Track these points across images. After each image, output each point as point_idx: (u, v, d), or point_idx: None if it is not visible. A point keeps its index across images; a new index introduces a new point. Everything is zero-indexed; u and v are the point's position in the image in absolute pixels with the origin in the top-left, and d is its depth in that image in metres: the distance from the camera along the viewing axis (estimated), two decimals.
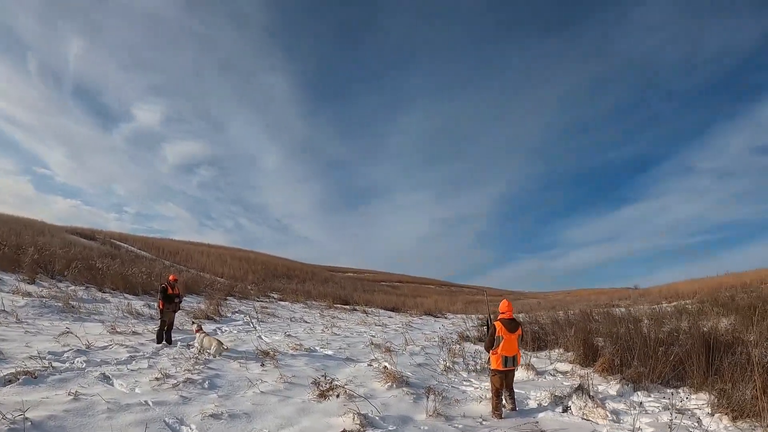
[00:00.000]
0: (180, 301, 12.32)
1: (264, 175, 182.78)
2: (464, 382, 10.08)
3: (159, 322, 11.84)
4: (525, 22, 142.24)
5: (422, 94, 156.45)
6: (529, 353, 12.46)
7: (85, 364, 8.54)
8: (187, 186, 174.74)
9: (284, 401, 7.57)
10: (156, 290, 18.70)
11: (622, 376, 9.36)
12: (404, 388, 8.69)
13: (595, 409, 7.54)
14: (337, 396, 7.72)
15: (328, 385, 8.02)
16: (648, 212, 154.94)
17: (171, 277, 12.41)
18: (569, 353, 12.05)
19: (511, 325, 7.70)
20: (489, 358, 7.92)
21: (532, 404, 8.34)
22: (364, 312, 27.03)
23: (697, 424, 7.06)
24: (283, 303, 26.87)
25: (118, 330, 12.29)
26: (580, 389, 8.08)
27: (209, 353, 10.46)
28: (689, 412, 7.43)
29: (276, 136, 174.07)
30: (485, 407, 7.92)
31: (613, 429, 6.98)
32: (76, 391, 6.77)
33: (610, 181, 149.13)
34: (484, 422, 7.27)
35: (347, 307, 28.85)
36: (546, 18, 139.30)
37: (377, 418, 6.94)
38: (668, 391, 8.64)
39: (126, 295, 18.95)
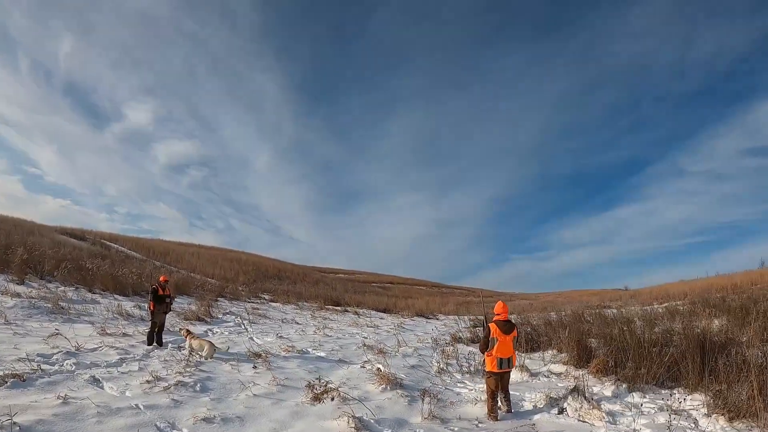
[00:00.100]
0: (171, 302, 12.21)
1: (255, 176, 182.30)
2: (458, 384, 10.01)
3: (150, 323, 11.71)
4: (517, 25, 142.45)
5: (414, 95, 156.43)
6: (523, 355, 12.40)
7: (74, 367, 8.43)
8: (177, 186, 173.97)
9: (277, 404, 7.48)
10: (146, 291, 18.54)
11: (617, 377, 9.34)
12: (398, 391, 8.61)
13: (591, 411, 7.50)
14: (332, 399, 7.64)
15: (322, 388, 7.93)
16: (639, 214, 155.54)
17: (161, 278, 12.31)
18: (563, 354, 12.01)
19: (506, 326, 7.65)
20: (484, 360, 7.86)
21: (528, 406, 8.28)
22: (356, 313, 26.89)
23: (693, 425, 7.04)
24: (274, 304, 26.70)
25: (108, 331, 12.16)
26: (576, 391, 8.04)
27: (200, 355, 10.35)
28: (685, 413, 7.40)
29: (268, 136, 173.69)
30: (480, 409, 7.86)
31: (609, 431, 6.95)
32: (66, 395, 6.67)
33: (602, 184, 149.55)
34: (480, 425, 7.22)
35: (338, 308, 28.71)
36: (538, 21, 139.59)
37: (372, 421, 6.87)
38: (663, 392, 8.63)
39: (116, 296, 18.74)
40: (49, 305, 14.19)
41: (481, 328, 18.14)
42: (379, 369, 10.15)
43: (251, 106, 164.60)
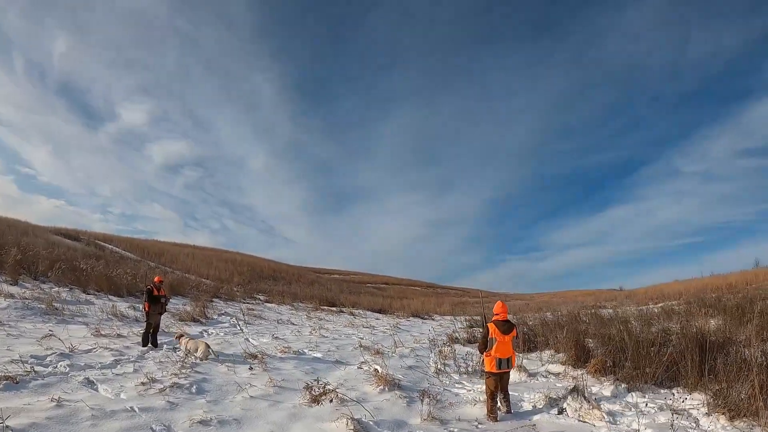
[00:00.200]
0: (166, 303, 12.14)
1: (250, 177, 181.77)
2: (456, 385, 9.95)
3: (144, 324, 11.62)
4: (511, 26, 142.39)
5: (409, 96, 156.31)
6: (521, 355, 12.34)
7: (68, 369, 8.35)
8: (172, 187, 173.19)
9: (274, 406, 7.40)
10: (141, 292, 18.43)
11: (616, 377, 9.31)
12: (396, 391, 8.55)
13: (591, 411, 7.45)
14: (331, 401, 7.56)
15: (321, 390, 7.84)
16: (633, 215, 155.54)
17: (156, 279, 12.23)
18: (560, 354, 11.97)
19: (505, 326, 7.59)
20: (483, 360, 7.81)
21: (527, 406, 8.23)
22: (351, 314, 26.83)
23: (694, 425, 6.99)
24: (269, 305, 26.62)
25: (103, 333, 12.05)
26: (575, 391, 7.99)
27: (196, 356, 10.26)
28: (685, 413, 7.36)
29: (263, 137, 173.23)
30: (480, 410, 7.80)
31: (610, 431, 6.89)
32: (59, 397, 6.58)
33: (597, 184, 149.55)
34: (479, 425, 7.16)
35: (334, 308, 28.63)
36: (532, 21, 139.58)
37: (371, 422, 6.80)
38: (662, 391, 8.62)
39: (110, 296, 18.64)
40: (43, 306, 14.08)
41: (478, 328, 18.10)
42: (376, 370, 10.08)
43: (246, 107, 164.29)
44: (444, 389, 9.38)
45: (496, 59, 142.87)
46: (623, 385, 8.90)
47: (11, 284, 16.31)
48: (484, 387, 8.55)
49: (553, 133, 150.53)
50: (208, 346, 10.57)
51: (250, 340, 14.07)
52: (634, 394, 8.55)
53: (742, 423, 6.73)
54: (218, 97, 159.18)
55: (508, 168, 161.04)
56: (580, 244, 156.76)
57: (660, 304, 26.99)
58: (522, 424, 7.13)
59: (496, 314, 7.70)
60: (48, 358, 8.85)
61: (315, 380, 8.34)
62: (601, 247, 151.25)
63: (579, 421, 7.35)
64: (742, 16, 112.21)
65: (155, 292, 11.70)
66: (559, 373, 10.67)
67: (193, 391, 7.84)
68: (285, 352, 12.06)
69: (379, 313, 30.06)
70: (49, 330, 11.34)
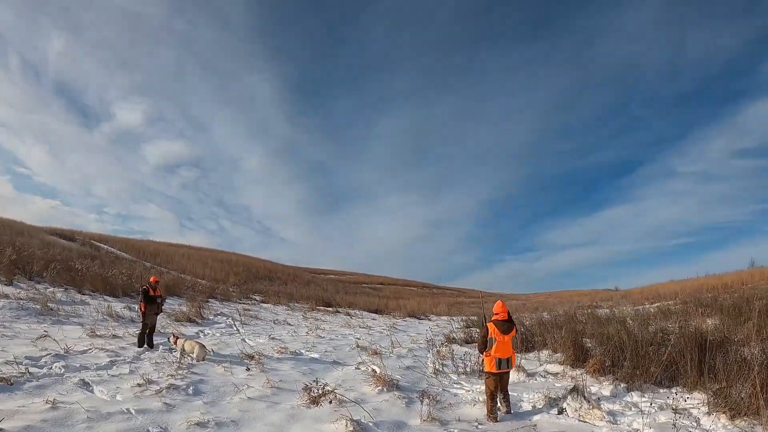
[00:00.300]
0: (162, 303, 12.05)
1: (246, 177, 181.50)
2: (455, 385, 9.91)
3: (140, 325, 11.54)
4: (508, 26, 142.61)
5: (405, 96, 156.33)
6: (518, 355, 12.30)
7: (63, 370, 8.26)
8: (168, 187, 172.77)
9: (272, 407, 7.33)
10: (136, 292, 18.34)
11: (615, 376, 9.28)
12: (395, 392, 8.49)
13: (591, 411, 7.41)
14: (330, 402, 7.50)
15: (320, 391, 7.77)
16: (630, 215, 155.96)
17: (152, 279, 12.14)
18: (558, 354, 11.94)
19: (505, 326, 7.54)
20: (482, 360, 7.75)
21: (526, 407, 8.18)
22: (348, 314, 26.80)
23: (695, 424, 6.96)
24: (265, 305, 26.57)
25: (98, 333, 11.96)
26: (575, 391, 7.95)
27: (192, 357, 10.18)
28: (686, 412, 7.32)
29: (259, 137, 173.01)
30: (480, 411, 7.74)
31: (611, 431, 6.85)
32: (54, 399, 6.50)
33: (593, 184, 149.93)
34: (480, 426, 7.10)
35: (330, 309, 28.60)
36: (529, 22, 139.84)
37: (371, 424, 6.73)
38: (662, 391, 8.59)
39: (106, 297, 18.52)
40: (38, 306, 13.96)
41: (475, 329, 18.08)
42: (374, 370, 10.00)
43: (243, 107, 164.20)
44: (443, 390, 9.32)
45: (493, 59, 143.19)
46: (622, 385, 8.87)
47: (6, 284, 16.17)
48: (483, 387, 8.52)
49: (550, 133, 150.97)
50: (203, 346, 10.49)
51: (247, 340, 14.00)
52: (633, 393, 8.54)
53: (743, 422, 6.71)
54: (214, 97, 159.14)
55: (504, 168, 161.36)
56: (576, 244, 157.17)
57: (656, 304, 27.03)
58: (522, 425, 7.07)
59: (496, 314, 7.64)
60: (43, 359, 8.75)
61: (314, 381, 8.26)
62: (597, 247, 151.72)
63: (579, 421, 7.31)
64: (739, 16, 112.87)
65: (151, 293, 11.61)
66: (557, 373, 10.63)
67: (190, 392, 7.77)
68: (282, 353, 11.99)
69: (376, 313, 30.05)
70: (44, 331, 11.22)
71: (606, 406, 7.77)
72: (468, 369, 10.95)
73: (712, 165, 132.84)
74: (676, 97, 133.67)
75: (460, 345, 15.41)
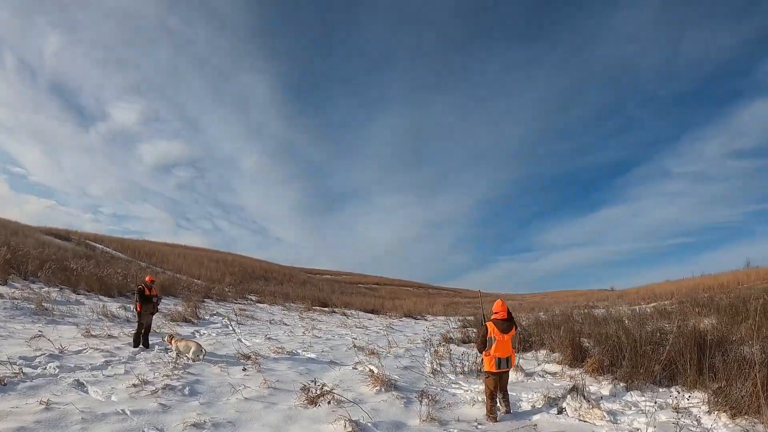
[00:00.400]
0: (158, 303, 11.95)
1: (242, 177, 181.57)
2: (453, 385, 9.85)
3: (136, 324, 11.45)
4: (504, 28, 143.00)
5: (400, 97, 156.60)
6: (516, 355, 12.27)
7: (58, 370, 8.17)
8: (164, 187, 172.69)
9: (270, 408, 7.25)
10: (132, 292, 18.24)
11: (614, 376, 9.25)
12: (393, 392, 8.42)
13: (591, 410, 7.37)
14: (329, 402, 7.42)
15: (318, 391, 7.69)
16: (625, 215, 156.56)
17: (148, 278, 12.05)
18: (556, 354, 11.93)
19: (504, 325, 7.48)
20: (482, 360, 7.69)
21: (526, 406, 8.13)
22: (344, 314, 26.74)
23: (696, 423, 6.92)
24: (261, 305, 26.48)
25: (93, 333, 11.87)
26: (575, 390, 7.91)
27: (188, 357, 10.09)
28: (686, 411, 7.28)
29: (255, 137, 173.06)
30: (479, 410, 7.68)
31: (611, 430, 6.80)
32: (48, 400, 6.41)
33: (588, 185, 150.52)
34: (479, 426, 7.04)
35: (326, 309, 28.51)
36: (525, 23, 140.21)
37: (369, 424, 6.66)
38: (661, 390, 8.57)
39: (101, 296, 18.43)
40: (33, 306, 13.87)
41: (472, 328, 18.05)
42: (372, 370, 9.94)
43: (239, 107, 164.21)
44: (441, 390, 9.24)
45: (491, 59, 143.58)
46: (621, 384, 8.84)
47: (0, 284, 16.06)
48: (481, 387, 8.47)
49: (547, 133, 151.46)
50: (199, 346, 10.41)
51: (243, 340, 13.92)
52: (633, 393, 8.51)
53: (744, 420, 6.68)
54: (210, 97, 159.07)
55: (501, 168, 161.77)
56: (572, 244, 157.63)
57: (652, 304, 27.09)
58: (522, 425, 7.02)
59: (496, 312, 7.58)
60: (37, 360, 8.67)
61: (312, 381, 8.20)
62: (593, 247, 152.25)
63: (579, 420, 7.26)
64: (736, 18, 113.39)
65: (147, 292, 11.53)
66: (555, 373, 10.61)
67: (186, 392, 7.68)
68: (278, 353, 11.91)
69: (372, 313, 29.99)
70: (39, 330, 11.14)
71: (606, 405, 7.74)
72: (466, 369, 10.89)
73: (708, 165, 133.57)
74: (672, 97, 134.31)
75: (458, 345, 15.38)
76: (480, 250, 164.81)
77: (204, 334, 14.77)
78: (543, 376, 10.50)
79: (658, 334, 10.56)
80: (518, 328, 9.15)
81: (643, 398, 8.18)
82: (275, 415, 6.89)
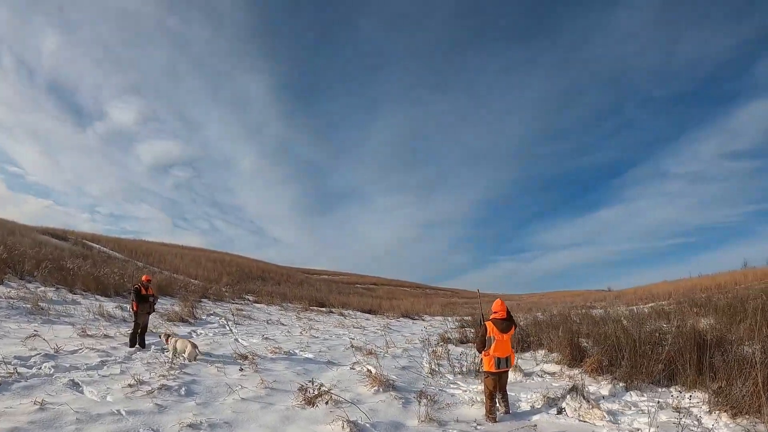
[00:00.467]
0: (154, 302, 11.87)
1: (240, 177, 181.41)
2: (451, 385, 9.79)
3: (132, 324, 11.38)
4: (501, 28, 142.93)
5: (398, 97, 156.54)
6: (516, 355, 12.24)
7: (53, 370, 8.10)
8: (161, 187, 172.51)
9: (267, 408, 7.18)
10: (129, 291, 18.17)
11: (613, 376, 9.20)
12: (391, 392, 8.36)
13: (591, 411, 7.31)
14: (326, 403, 7.36)
15: (316, 391, 7.62)
16: (622, 216, 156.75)
17: (144, 278, 11.98)
18: (554, 354, 11.87)
19: (504, 324, 7.42)
20: (481, 360, 7.64)
21: (525, 407, 8.07)
22: (341, 314, 26.69)
23: (697, 423, 6.87)
24: (258, 305, 26.43)
25: (89, 333, 11.79)
26: (574, 390, 7.85)
27: (184, 357, 10.02)
28: (686, 411, 7.23)
29: (252, 137, 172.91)
30: (478, 411, 7.62)
31: (612, 430, 6.75)
32: (43, 400, 6.34)
33: (586, 185, 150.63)
34: (479, 426, 6.98)
35: (323, 309, 28.47)
36: (522, 24, 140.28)
37: (367, 425, 6.60)
38: (660, 390, 8.52)
39: (98, 296, 18.34)
40: (29, 306, 13.80)
41: (470, 329, 17.99)
42: (369, 370, 9.88)
43: (236, 107, 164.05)
44: (439, 390, 9.19)
45: (486, 60, 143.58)
46: (621, 384, 8.80)
47: None
48: (480, 387, 8.42)
49: (544, 133, 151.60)
50: (195, 346, 10.33)
51: (240, 340, 13.84)
52: (632, 393, 8.47)
53: (745, 420, 6.64)
54: (208, 97, 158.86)
55: (498, 169, 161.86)
56: (569, 245, 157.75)
57: (650, 304, 27.08)
58: (522, 425, 6.96)
59: (495, 312, 7.53)
60: (32, 359, 8.59)
61: (309, 381, 8.15)
62: (590, 248, 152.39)
63: (579, 420, 7.20)
64: (732, 19, 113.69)
65: (143, 291, 11.46)
66: (554, 373, 10.56)
67: (182, 393, 7.61)
68: (276, 353, 11.84)
69: (369, 313, 29.95)
70: (34, 330, 11.07)
71: (605, 405, 7.68)
72: (464, 369, 10.84)
73: (705, 166, 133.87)
74: (670, 98, 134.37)
75: (456, 345, 15.32)
76: (478, 250, 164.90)
77: (201, 334, 14.70)
78: (542, 376, 10.45)
79: (657, 334, 10.53)
80: (517, 328, 9.08)
81: (643, 398, 8.14)
82: (272, 416, 6.83)
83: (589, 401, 7.53)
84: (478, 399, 8.12)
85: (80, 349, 9.98)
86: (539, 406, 7.91)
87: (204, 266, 40.12)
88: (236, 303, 25.31)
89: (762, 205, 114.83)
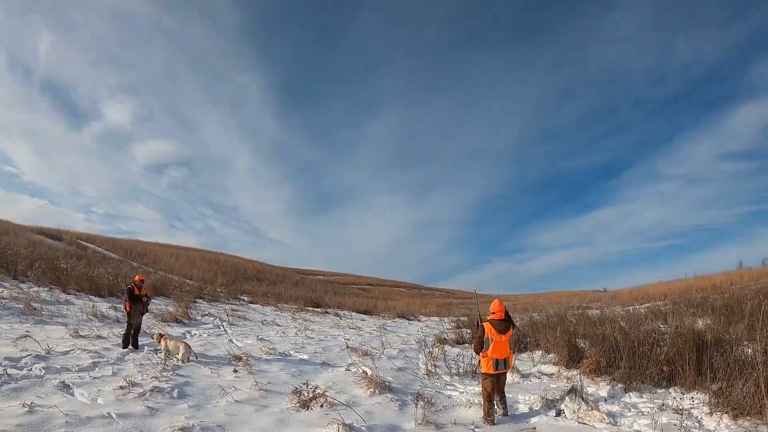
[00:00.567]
0: (148, 303, 11.77)
1: (235, 177, 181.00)
2: (448, 386, 9.68)
3: (125, 325, 11.25)
4: (496, 29, 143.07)
5: (394, 97, 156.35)
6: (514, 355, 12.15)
7: (43, 371, 7.97)
8: (156, 187, 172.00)
9: (261, 411, 7.07)
10: (122, 292, 18.03)
11: (611, 377, 9.12)
12: (387, 394, 8.26)
13: (590, 412, 7.21)
14: (321, 406, 7.24)
15: (311, 394, 7.51)
16: (616, 217, 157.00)
17: (137, 278, 11.88)
18: (551, 355, 11.78)
19: (502, 325, 7.32)
20: (479, 362, 7.53)
21: (523, 408, 7.97)
22: (337, 315, 26.58)
23: (698, 425, 6.78)
24: (253, 306, 26.29)
25: (82, 334, 11.65)
26: (573, 392, 7.74)
27: (177, 358, 9.90)
28: (686, 412, 7.14)
29: (248, 137, 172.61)
30: (475, 413, 7.52)
31: None
32: (32, 402, 6.21)
33: (580, 187, 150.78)
34: (477, 429, 6.88)
35: (319, 309, 28.35)
36: (517, 25, 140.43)
37: (363, 428, 6.49)
38: (659, 391, 8.41)
39: (91, 296, 18.20)
40: (21, 306, 13.67)
41: (466, 329, 17.90)
42: (365, 372, 9.78)
43: (232, 107, 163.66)
44: (436, 391, 9.06)
45: (481, 62, 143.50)
46: (619, 386, 8.72)
47: None
48: (477, 389, 8.32)
49: (537, 135, 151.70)
50: (188, 346, 10.21)
51: (234, 341, 13.72)
52: (631, 394, 8.38)
53: (746, 422, 6.56)
54: (204, 96, 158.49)
55: (492, 170, 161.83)
56: (564, 245, 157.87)
57: (646, 305, 27.10)
58: (521, 427, 6.87)
59: (493, 313, 7.42)
60: (23, 360, 8.46)
61: (304, 384, 8.01)
62: (585, 248, 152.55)
63: (579, 422, 7.09)
64: (725, 22, 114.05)
65: (136, 292, 11.35)
66: (552, 374, 10.47)
67: (175, 395, 7.49)
68: (270, 354, 11.72)
69: (365, 314, 29.84)
70: (26, 331, 10.93)
71: (605, 407, 7.59)
72: (461, 370, 10.73)
73: (699, 167, 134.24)
74: (664, 99, 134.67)
75: (452, 346, 15.20)
76: (472, 250, 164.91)
77: (195, 334, 14.57)
78: (539, 378, 10.36)
79: (655, 334, 10.46)
80: (515, 328, 8.98)
81: (642, 399, 8.05)
82: (266, 419, 6.72)
83: (588, 403, 7.43)
84: (476, 401, 8.02)
85: (72, 350, 9.85)
86: (538, 408, 7.81)
87: (199, 266, 40.03)
88: (231, 303, 25.19)
89: (756, 206, 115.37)
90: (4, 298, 14.18)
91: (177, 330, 14.86)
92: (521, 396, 8.66)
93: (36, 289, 16.73)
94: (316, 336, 16.48)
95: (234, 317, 19.88)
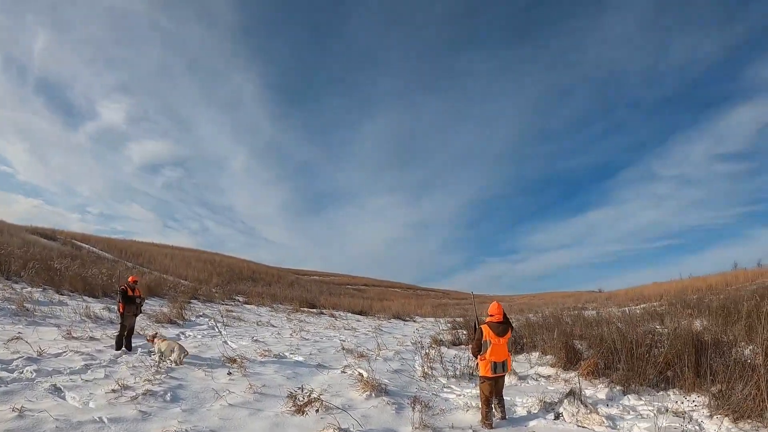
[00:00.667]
0: (141, 304, 11.65)
1: (231, 177, 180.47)
2: (445, 389, 9.59)
3: (119, 326, 11.13)
4: (492, 30, 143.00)
5: (390, 97, 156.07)
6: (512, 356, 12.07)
7: (35, 374, 7.86)
8: (151, 187, 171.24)
9: (255, 414, 6.96)
10: (116, 292, 17.91)
11: (610, 379, 9.06)
12: (383, 397, 8.15)
13: (589, 416, 7.14)
14: (316, 410, 7.13)
15: (306, 399, 7.40)
16: (611, 218, 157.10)
17: (131, 279, 11.74)
18: (548, 356, 11.73)
19: (500, 328, 7.24)
20: (477, 364, 7.45)
21: (521, 411, 7.88)
22: (332, 315, 26.45)
23: (698, 428, 6.72)
24: (248, 306, 26.16)
25: (75, 335, 11.53)
26: (572, 394, 7.67)
27: (170, 360, 9.78)
28: (686, 415, 7.07)
29: (243, 137, 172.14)
30: (473, 416, 7.42)
31: None
32: (22, 407, 6.11)
33: (575, 187, 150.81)
34: None
35: (314, 310, 28.22)
36: (513, 26, 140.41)
37: None
38: (658, 393, 8.38)
39: (85, 297, 18.06)
40: (14, 307, 13.53)
41: (462, 330, 17.83)
42: (361, 374, 9.70)
43: (228, 107, 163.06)
44: (433, 394, 8.98)
45: (478, 62, 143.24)
46: (618, 388, 8.65)
47: None
48: (474, 391, 8.24)
49: (534, 136, 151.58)
50: (182, 347, 10.10)
51: (229, 342, 13.60)
52: (630, 396, 8.31)
53: (747, 425, 6.51)
54: (199, 96, 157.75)
55: (488, 170, 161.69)
56: (559, 246, 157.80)
57: (642, 306, 27.08)
58: (519, 431, 6.78)
59: (491, 315, 7.34)
60: (14, 363, 8.36)
61: (299, 388, 7.91)
62: (580, 249, 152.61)
63: (578, 426, 7.02)
64: (721, 23, 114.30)
65: (130, 293, 11.23)
66: (549, 376, 10.40)
67: (168, 398, 7.38)
68: (265, 356, 11.61)
69: (360, 314, 29.73)
70: (18, 332, 10.81)
71: (603, 410, 7.51)
72: (458, 372, 10.64)
73: (694, 169, 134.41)
74: (658, 101, 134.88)
75: (448, 347, 15.12)
76: (468, 251, 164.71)
77: (189, 336, 14.45)
78: (537, 380, 10.28)
79: (653, 336, 10.39)
80: (513, 331, 8.89)
81: (641, 402, 7.99)
82: (261, 423, 6.62)
83: (587, 406, 7.36)
84: (473, 404, 7.92)
85: (64, 352, 9.73)
86: (536, 411, 7.72)
87: (194, 267, 39.82)
88: (226, 304, 25.05)
89: (751, 207, 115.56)
90: None
91: (171, 331, 14.74)
92: (519, 399, 8.56)
93: (29, 289, 16.60)
94: (312, 337, 16.37)
95: (229, 318, 19.73)
